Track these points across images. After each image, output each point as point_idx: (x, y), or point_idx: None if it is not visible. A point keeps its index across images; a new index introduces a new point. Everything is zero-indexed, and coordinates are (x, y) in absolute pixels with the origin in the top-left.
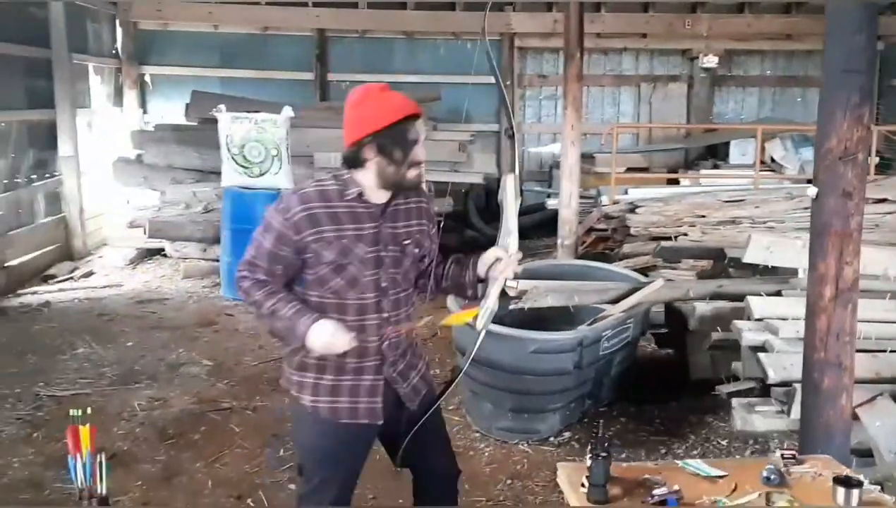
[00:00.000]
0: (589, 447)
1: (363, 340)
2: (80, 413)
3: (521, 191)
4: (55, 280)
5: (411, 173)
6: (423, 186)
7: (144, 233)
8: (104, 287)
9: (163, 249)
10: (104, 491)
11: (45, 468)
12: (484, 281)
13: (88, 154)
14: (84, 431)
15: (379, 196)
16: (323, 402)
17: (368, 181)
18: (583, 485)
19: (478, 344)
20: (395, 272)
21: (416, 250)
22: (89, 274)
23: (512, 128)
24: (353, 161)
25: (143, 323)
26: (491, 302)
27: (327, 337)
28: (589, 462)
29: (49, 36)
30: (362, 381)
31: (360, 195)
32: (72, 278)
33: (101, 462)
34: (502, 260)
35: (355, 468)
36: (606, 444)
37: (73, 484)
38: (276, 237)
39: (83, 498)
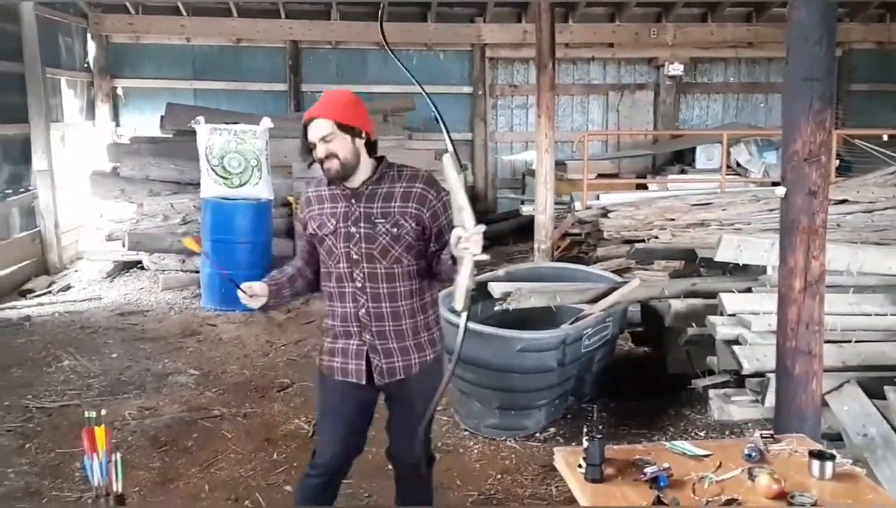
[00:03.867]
0: (584, 429)
1: (343, 305)
2: (94, 415)
3: (462, 165)
4: (33, 294)
5: (324, 167)
6: (422, 173)
7: (123, 245)
8: (83, 300)
9: (139, 262)
10: (120, 490)
11: (41, 477)
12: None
13: (62, 168)
14: (100, 432)
15: (354, 181)
16: (325, 360)
17: None
18: (579, 466)
19: (462, 325)
20: (369, 247)
21: (394, 229)
22: (67, 287)
23: (438, 113)
24: None
25: (126, 334)
26: (462, 280)
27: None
28: (585, 444)
29: (21, 50)
30: (349, 345)
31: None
32: (50, 292)
33: (116, 462)
34: (462, 237)
35: (353, 422)
36: (601, 426)
37: (70, 493)
38: (297, 218)
39: (100, 497)
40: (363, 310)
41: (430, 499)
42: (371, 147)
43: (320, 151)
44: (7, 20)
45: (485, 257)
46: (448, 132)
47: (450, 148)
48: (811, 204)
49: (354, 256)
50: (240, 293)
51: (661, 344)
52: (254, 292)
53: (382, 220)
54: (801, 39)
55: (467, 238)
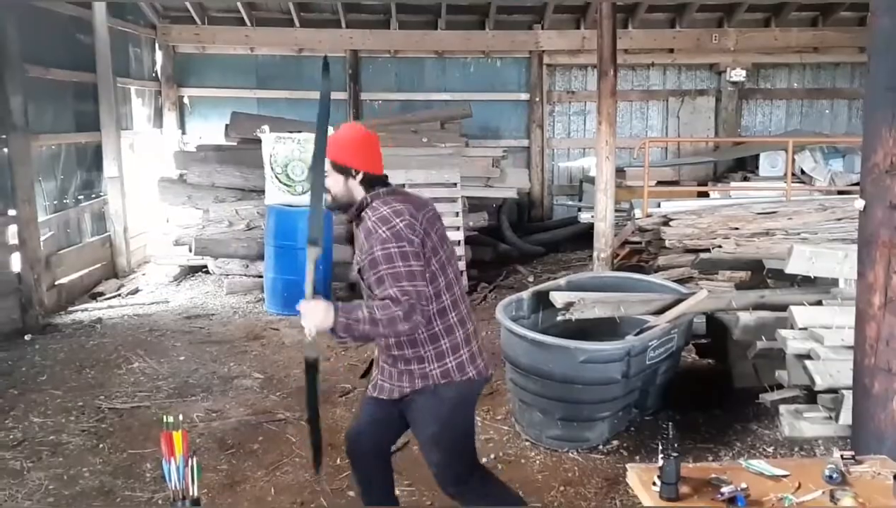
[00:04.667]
0: (660, 447)
1: None
2: (172, 419)
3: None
4: (104, 297)
5: None
6: (374, 220)
7: (190, 250)
8: (151, 303)
9: (205, 266)
10: (196, 493)
11: (114, 476)
12: None
13: (131, 175)
14: (177, 436)
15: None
16: None
17: None
18: (654, 484)
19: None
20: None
21: (359, 264)
22: (136, 291)
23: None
24: None
25: (193, 337)
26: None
27: None
28: (661, 462)
29: (95, 60)
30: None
31: None
32: (119, 295)
33: (193, 466)
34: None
35: (372, 407)
36: (676, 444)
37: (141, 493)
38: None
39: (177, 500)
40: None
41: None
42: (370, 181)
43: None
44: (82, 32)
45: (312, 334)
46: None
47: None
48: (892, 217)
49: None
50: None
51: (727, 357)
52: None
53: (358, 252)
54: (883, 48)
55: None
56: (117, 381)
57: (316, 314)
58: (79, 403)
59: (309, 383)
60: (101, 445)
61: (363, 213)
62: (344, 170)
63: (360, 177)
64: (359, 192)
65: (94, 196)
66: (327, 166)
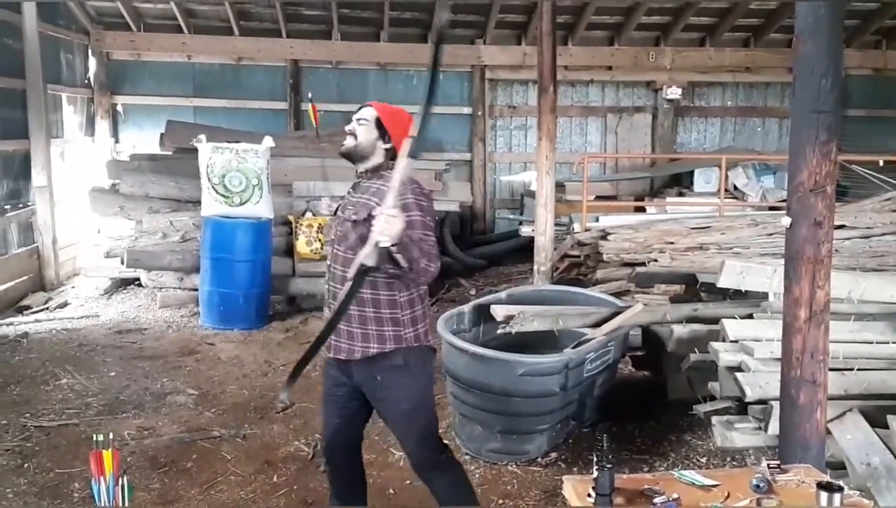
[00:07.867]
0: (595, 458)
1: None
2: (101, 437)
3: (415, 154)
4: (30, 311)
5: (344, 140)
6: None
7: (122, 262)
8: (81, 317)
9: (137, 279)
10: None
11: (40, 497)
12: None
13: (61, 184)
14: (107, 455)
15: (360, 171)
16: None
17: None
18: (589, 495)
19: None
20: (341, 231)
21: (353, 216)
22: (64, 304)
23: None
24: None
25: (124, 352)
26: (360, 256)
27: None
28: (595, 474)
29: (24, 66)
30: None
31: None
32: (47, 309)
33: (123, 486)
34: (377, 216)
35: (337, 405)
36: (611, 456)
37: None
38: None
39: None
40: (335, 289)
41: (461, 493)
42: (391, 155)
43: (348, 126)
44: (10, 37)
45: (385, 243)
46: (425, 114)
47: (414, 132)
48: (816, 234)
49: (331, 236)
50: None
51: (662, 369)
52: None
53: (352, 209)
54: (807, 72)
55: (379, 218)
56: (44, 398)
57: (398, 222)
58: (2, 422)
59: (351, 288)
60: (26, 465)
61: (383, 176)
62: (381, 130)
63: (387, 146)
64: (379, 156)
65: (21, 205)
66: (369, 117)
